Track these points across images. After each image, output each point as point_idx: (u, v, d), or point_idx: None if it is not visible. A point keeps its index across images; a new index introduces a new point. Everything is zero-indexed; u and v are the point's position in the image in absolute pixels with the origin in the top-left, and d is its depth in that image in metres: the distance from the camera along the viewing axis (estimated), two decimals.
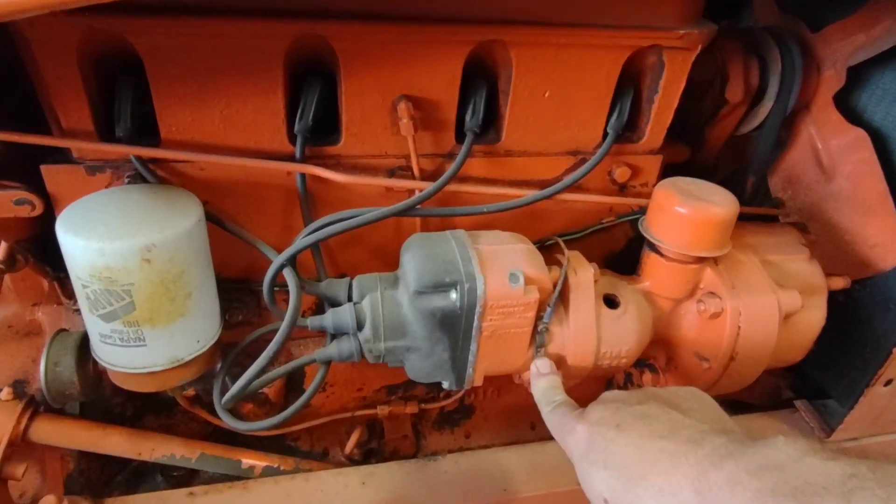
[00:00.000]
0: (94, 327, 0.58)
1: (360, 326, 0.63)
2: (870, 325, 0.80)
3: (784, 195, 0.94)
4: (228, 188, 0.68)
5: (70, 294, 0.73)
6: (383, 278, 0.65)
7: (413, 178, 0.71)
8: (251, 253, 0.70)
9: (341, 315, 0.63)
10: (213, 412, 0.77)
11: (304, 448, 0.90)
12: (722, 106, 0.84)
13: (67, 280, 0.73)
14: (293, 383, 0.83)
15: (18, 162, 0.65)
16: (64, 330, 0.68)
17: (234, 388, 0.59)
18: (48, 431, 0.67)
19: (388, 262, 0.75)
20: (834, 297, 0.81)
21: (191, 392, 0.75)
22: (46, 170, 0.64)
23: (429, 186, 0.68)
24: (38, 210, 0.65)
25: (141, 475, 0.83)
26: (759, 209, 0.91)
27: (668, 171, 0.82)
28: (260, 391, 0.79)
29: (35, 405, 0.68)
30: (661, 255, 0.70)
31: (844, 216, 0.85)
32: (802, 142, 0.91)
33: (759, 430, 0.90)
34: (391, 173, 0.72)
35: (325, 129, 0.70)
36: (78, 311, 0.72)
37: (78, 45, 0.58)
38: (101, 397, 0.74)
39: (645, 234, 0.71)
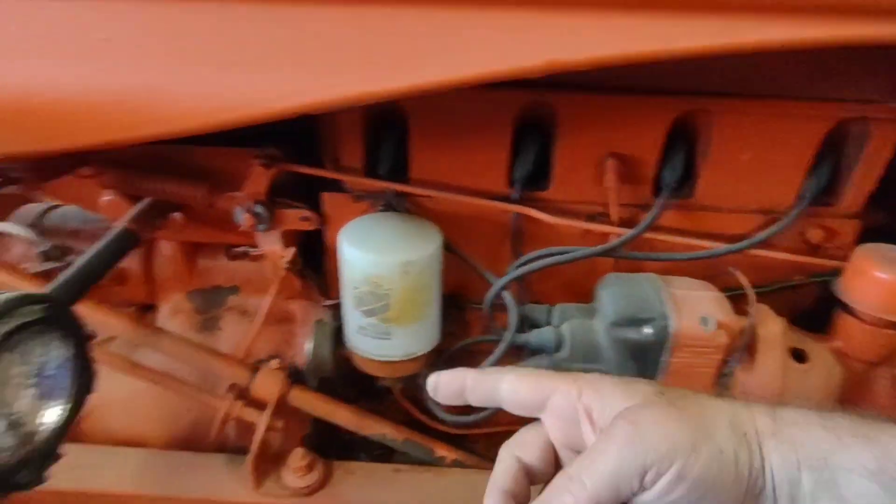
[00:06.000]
0: (355, 320, 0.75)
1: (557, 348, 0.74)
2: None
3: None
4: (456, 220, 0.82)
5: (324, 292, 0.93)
6: (581, 308, 0.75)
7: (610, 223, 0.81)
8: (463, 275, 0.84)
9: (544, 335, 0.74)
10: (413, 405, 0.92)
11: (480, 451, 1.01)
12: None
13: (323, 281, 0.93)
14: None
15: (301, 188, 0.86)
16: (320, 320, 0.87)
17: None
18: (299, 398, 0.86)
19: (577, 294, 0.84)
20: None
21: (399, 385, 0.90)
22: (326, 196, 0.83)
23: (623, 232, 0.77)
24: (315, 226, 0.85)
25: (347, 450, 1.00)
26: None
27: (868, 234, 0.82)
28: None
29: (298, 375, 0.87)
30: (857, 317, 0.72)
31: None
32: None
33: None
34: (590, 218, 0.82)
35: (536, 175, 0.82)
36: (328, 307, 0.91)
37: (363, 107, 0.76)
38: (336, 378, 0.91)
39: (839, 296, 0.73)
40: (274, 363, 0.87)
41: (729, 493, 0.35)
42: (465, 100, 0.74)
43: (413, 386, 0.94)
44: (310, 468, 0.84)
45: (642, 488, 0.35)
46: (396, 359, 0.76)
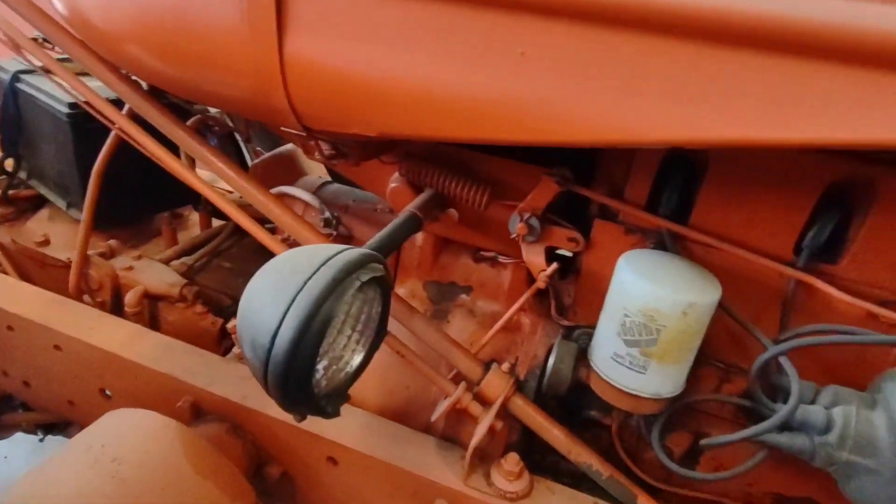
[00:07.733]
0: (612, 347, 0.77)
1: (825, 430, 0.69)
2: None
3: None
4: (726, 275, 0.81)
5: (562, 311, 0.96)
6: (862, 396, 0.70)
7: None
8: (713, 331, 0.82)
9: (812, 414, 0.70)
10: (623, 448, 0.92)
11: None
12: None
13: (562, 298, 0.96)
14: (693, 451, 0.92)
15: (572, 210, 0.90)
16: (565, 338, 0.90)
17: (722, 440, 0.72)
18: (519, 408, 0.89)
19: (836, 379, 0.78)
20: None
21: (619, 421, 0.90)
22: (599, 223, 0.86)
23: None
24: (580, 248, 0.88)
25: (536, 472, 1.01)
26: None
27: None
28: (666, 445, 0.91)
29: (518, 384, 0.91)
30: None
31: None
32: None
33: None
34: (883, 303, 0.76)
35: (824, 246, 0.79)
36: (565, 327, 0.94)
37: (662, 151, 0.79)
38: (556, 398, 0.94)
39: None
40: (505, 366, 0.91)
41: None
42: (779, 158, 0.74)
43: (627, 426, 0.94)
44: (519, 475, 0.86)
45: None
46: (644, 395, 0.76)
